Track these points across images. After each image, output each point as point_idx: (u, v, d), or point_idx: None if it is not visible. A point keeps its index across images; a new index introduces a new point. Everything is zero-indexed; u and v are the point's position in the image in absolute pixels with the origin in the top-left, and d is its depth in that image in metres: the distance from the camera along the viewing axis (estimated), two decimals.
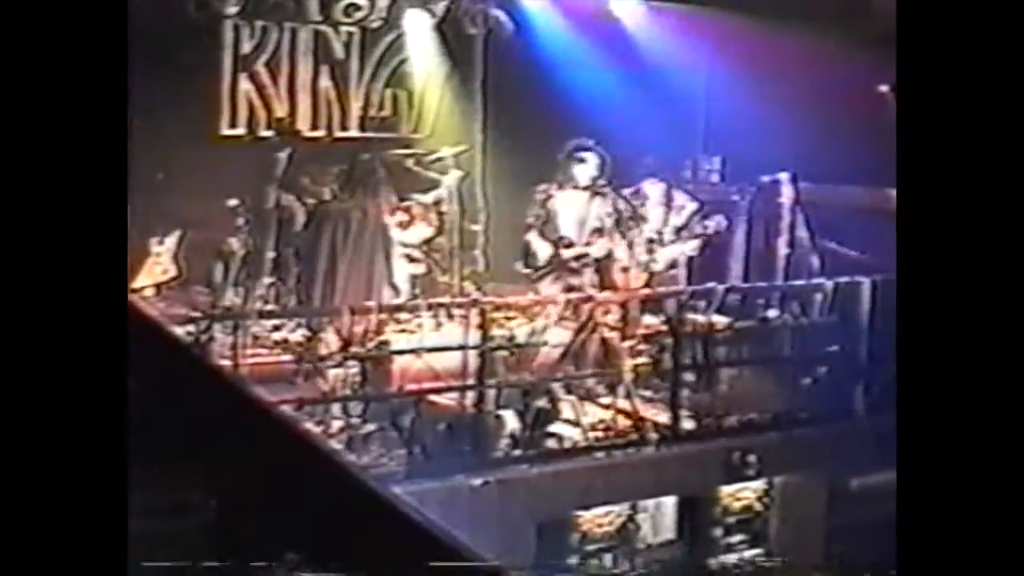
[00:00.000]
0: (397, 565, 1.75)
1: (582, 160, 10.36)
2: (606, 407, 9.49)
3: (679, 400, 9.68)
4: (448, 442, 8.79)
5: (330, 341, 9.12)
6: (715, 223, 10.87)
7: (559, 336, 9.50)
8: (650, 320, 10.08)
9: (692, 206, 10.98)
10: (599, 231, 10.32)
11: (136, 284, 9.67)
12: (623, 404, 9.41)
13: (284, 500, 1.84)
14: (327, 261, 10.68)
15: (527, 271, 10.28)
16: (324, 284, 10.67)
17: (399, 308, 9.73)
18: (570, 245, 10.20)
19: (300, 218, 10.69)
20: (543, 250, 10.22)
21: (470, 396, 8.93)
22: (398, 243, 10.62)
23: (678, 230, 10.85)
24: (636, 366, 9.59)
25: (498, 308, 9.25)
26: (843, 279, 10.51)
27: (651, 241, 10.77)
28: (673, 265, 10.88)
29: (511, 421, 9.03)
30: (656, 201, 10.92)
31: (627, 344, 9.59)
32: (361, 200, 10.74)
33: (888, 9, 4.83)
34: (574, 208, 10.34)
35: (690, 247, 10.88)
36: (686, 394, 9.87)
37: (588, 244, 10.27)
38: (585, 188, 10.35)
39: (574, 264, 10.17)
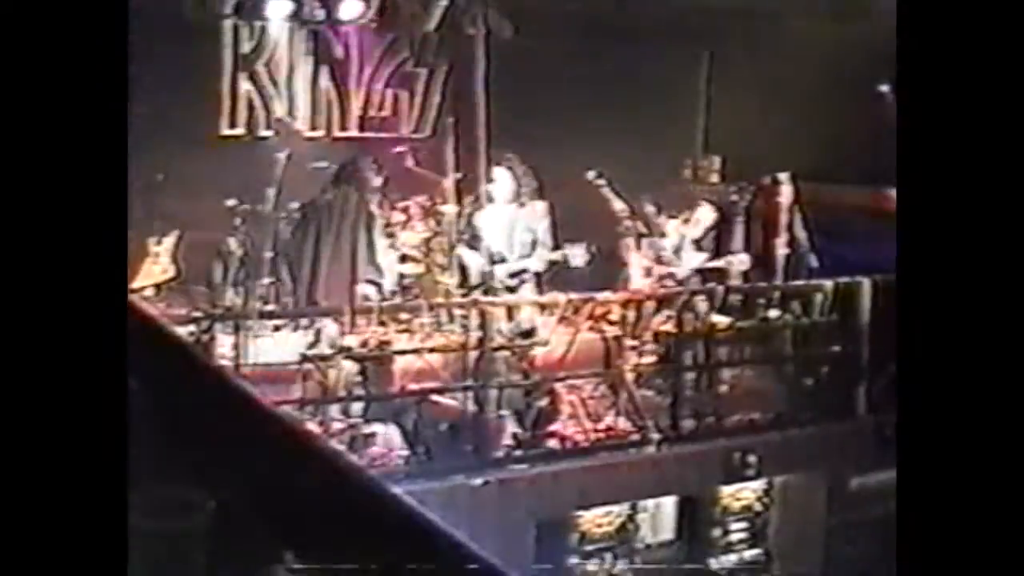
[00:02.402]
0: (398, 565, 1.75)
1: (491, 180, 10.17)
2: (607, 407, 9.49)
3: (679, 400, 9.68)
4: (449, 442, 8.79)
5: (330, 340, 9.11)
6: (738, 261, 10.85)
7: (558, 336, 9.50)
8: (651, 320, 10.06)
9: (711, 218, 10.96)
10: (534, 243, 9.89)
11: (136, 284, 9.67)
12: (624, 404, 9.40)
13: (285, 500, 1.84)
14: (313, 247, 10.65)
15: (460, 290, 9.93)
16: (310, 272, 10.62)
17: (399, 308, 9.73)
18: (503, 261, 9.80)
19: (295, 217, 10.69)
20: (475, 264, 9.91)
21: (471, 396, 8.93)
22: (398, 243, 10.61)
23: (696, 242, 10.84)
24: (637, 366, 9.59)
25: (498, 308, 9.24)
26: (843, 279, 10.51)
27: (672, 252, 10.72)
28: (689, 278, 10.83)
29: (511, 421, 9.04)
30: (705, 222, 10.91)
31: (629, 344, 9.58)
32: (346, 188, 10.72)
33: (888, 9, 4.83)
34: (499, 222, 10.00)
35: (700, 260, 10.83)
36: (687, 394, 9.87)
37: (523, 258, 9.85)
38: (508, 203, 10.04)
39: (509, 281, 9.77)
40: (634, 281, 10.60)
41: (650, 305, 10.01)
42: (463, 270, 10.08)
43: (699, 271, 10.70)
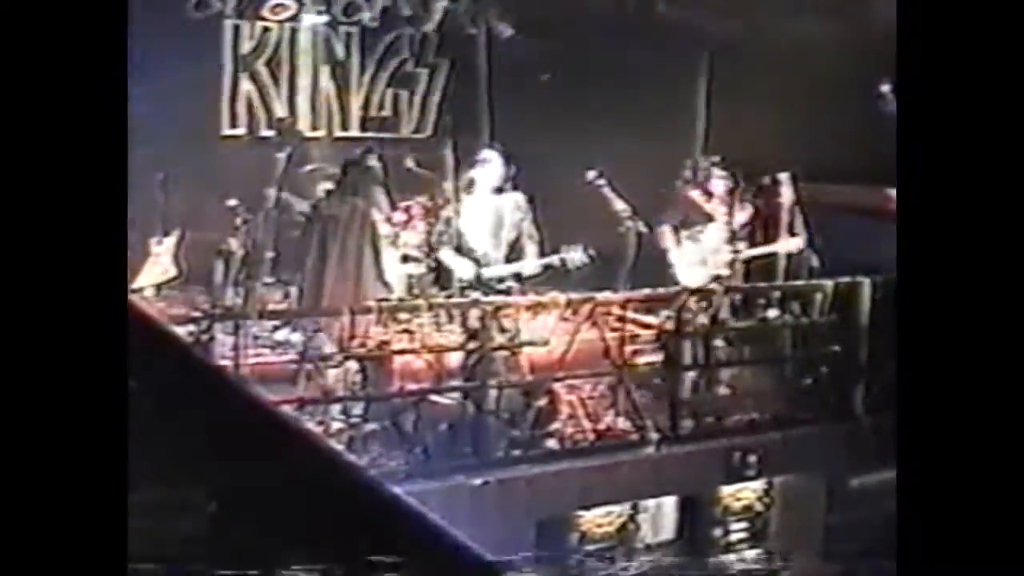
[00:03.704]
0: (398, 565, 1.75)
1: (485, 161, 9.75)
2: (606, 407, 9.48)
3: (679, 400, 9.67)
4: (448, 442, 8.78)
5: (330, 340, 9.10)
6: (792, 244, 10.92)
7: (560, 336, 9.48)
8: (651, 320, 10.05)
9: (749, 212, 10.99)
10: (518, 239, 9.61)
11: (136, 284, 9.67)
12: (623, 404, 9.40)
13: (284, 500, 1.84)
14: (318, 261, 10.62)
15: (443, 294, 9.55)
16: (314, 284, 10.60)
17: (399, 308, 9.72)
18: (488, 265, 9.54)
19: (297, 218, 10.68)
20: (463, 268, 9.56)
21: (470, 396, 8.93)
22: (399, 244, 10.59)
23: (743, 227, 10.85)
24: (635, 366, 9.58)
25: (498, 308, 9.23)
26: (843, 279, 10.51)
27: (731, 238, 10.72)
28: (748, 262, 10.87)
29: (511, 421, 9.04)
30: (722, 198, 10.87)
31: (627, 345, 9.57)
32: (353, 200, 10.70)
33: (888, 9, 4.83)
34: (484, 217, 9.72)
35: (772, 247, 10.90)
36: (686, 394, 9.86)
37: (510, 256, 9.62)
38: (493, 192, 9.70)
39: (499, 285, 9.49)
40: (682, 277, 10.57)
41: (646, 305, 9.99)
42: (448, 274, 9.88)
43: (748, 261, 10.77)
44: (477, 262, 9.59)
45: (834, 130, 10.93)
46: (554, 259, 9.60)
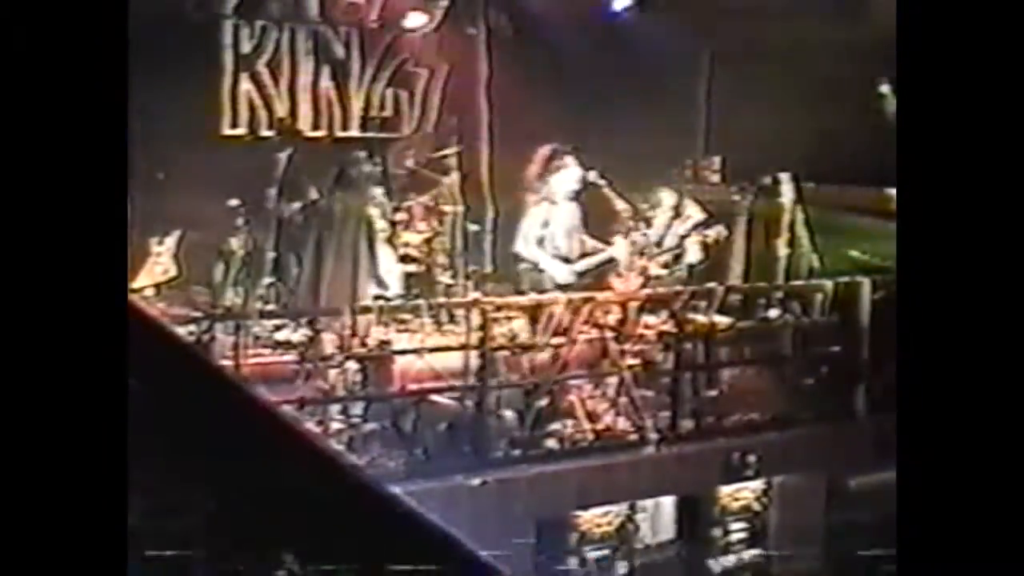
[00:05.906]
0: (397, 565, 1.75)
1: (565, 167, 10.02)
2: (606, 407, 9.48)
3: (679, 400, 9.67)
4: (448, 442, 8.78)
5: (330, 340, 9.10)
6: (715, 232, 10.79)
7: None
8: (651, 320, 10.04)
9: (699, 216, 10.92)
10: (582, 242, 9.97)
11: (136, 284, 9.67)
12: (623, 404, 9.40)
13: (284, 500, 1.85)
14: (314, 258, 10.61)
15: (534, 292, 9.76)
16: (310, 281, 10.59)
17: (400, 308, 9.72)
18: (568, 260, 9.86)
19: (296, 217, 10.68)
20: (558, 269, 9.85)
21: (470, 396, 8.93)
22: (399, 243, 10.60)
23: (681, 238, 10.80)
24: (635, 366, 9.58)
25: (499, 308, 9.24)
26: (843, 279, 10.51)
27: (656, 246, 10.69)
28: (670, 271, 10.81)
29: (511, 421, 9.04)
30: (667, 207, 10.86)
31: (627, 345, 9.57)
32: (348, 197, 10.70)
33: (888, 9, 4.83)
34: (563, 218, 10.00)
35: (692, 255, 10.80)
36: (686, 394, 9.86)
37: (586, 255, 9.92)
38: (571, 199, 10.02)
39: (575, 281, 9.88)
40: (614, 276, 10.60)
41: (647, 306, 9.99)
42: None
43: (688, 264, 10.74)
44: (566, 260, 9.79)
45: (834, 130, 10.92)
46: (637, 236, 9.92)
